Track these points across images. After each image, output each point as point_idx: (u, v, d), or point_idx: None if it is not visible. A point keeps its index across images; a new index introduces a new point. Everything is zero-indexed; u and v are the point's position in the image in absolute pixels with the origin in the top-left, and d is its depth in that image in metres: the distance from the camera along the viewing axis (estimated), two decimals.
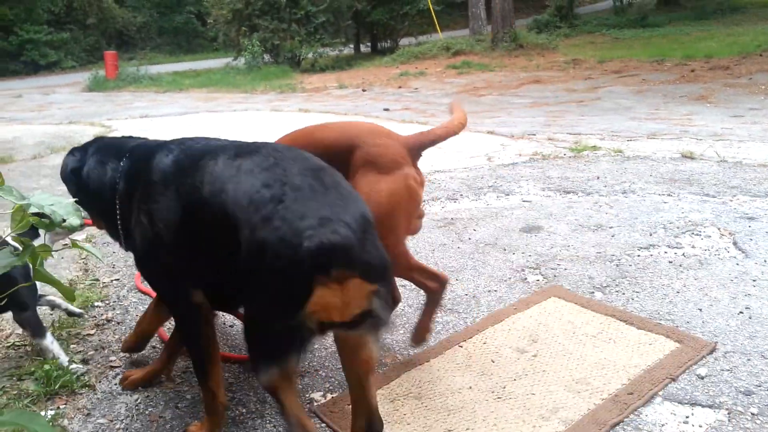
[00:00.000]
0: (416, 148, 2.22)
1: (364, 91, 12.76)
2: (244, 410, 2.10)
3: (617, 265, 3.11)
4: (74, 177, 2.12)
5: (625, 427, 1.91)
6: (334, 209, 1.54)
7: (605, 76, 12.13)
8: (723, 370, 2.18)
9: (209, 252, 1.77)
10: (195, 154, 1.87)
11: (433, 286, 2.33)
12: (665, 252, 3.23)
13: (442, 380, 2.20)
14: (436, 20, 19.85)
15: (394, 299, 2.32)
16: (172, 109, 10.74)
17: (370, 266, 1.50)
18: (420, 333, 2.40)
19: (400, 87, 12.84)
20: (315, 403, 2.11)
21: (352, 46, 24.05)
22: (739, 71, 10.84)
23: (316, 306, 1.46)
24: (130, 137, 2.25)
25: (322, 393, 2.18)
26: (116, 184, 2.01)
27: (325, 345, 2.49)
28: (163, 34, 29.27)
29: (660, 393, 2.07)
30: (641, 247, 3.30)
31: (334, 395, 2.16)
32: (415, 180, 2.15)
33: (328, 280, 1.45)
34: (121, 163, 2.03)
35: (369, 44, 24.27)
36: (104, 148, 2.14)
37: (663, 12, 24.09)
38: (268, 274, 1.52)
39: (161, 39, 29.12)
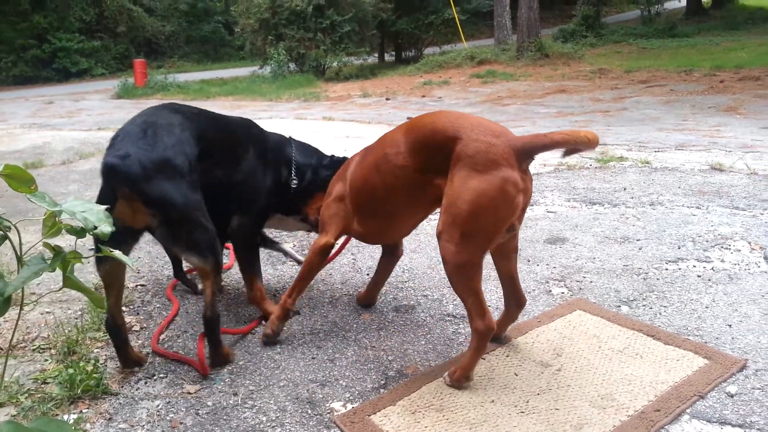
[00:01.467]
0: (526, 150, 2.02)
1: (387, 99, 12.80)
2: (264, 418, 2.09)
3: (644, 279, 3.05)
4: None
5: None
6: (138, 150, 2.17)
7: (632, 86, 11.99)
8: (754, 388, 2.11)
9: None
10: None
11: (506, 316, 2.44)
12: (694, 266, 3.17)
13: (463, 393, 2.17)
14: (461, 30, 19.85)
15: (518, 302, 2.42)
16: None
17: (148, 197, 2.14)
18: (460, 375, 2.23)
19: (423, 96, 12.86)
20: (335, 413, 2.10)
21: (376, 55, 24.19)
22: None
23: (117, 211, 2.09)
24: None
25: (342, 403, 2.16)
26: None
27: (346, 355, 2.48)
28: (191, 42, 29.77)
29: (688, 411, 2.01)
30: (669, 261, 3.24)
31: (355, 405, 2.14)
32: (514, 185, 1.99)
33: (122, 194, 2.13)
34: None
35: (393, 53, 24.37)
36: None
37: (692, 22, 23.79)
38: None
39: (189, 47, 29.62)
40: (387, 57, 24.57)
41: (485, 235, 2.05)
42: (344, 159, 2.89)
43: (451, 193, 2.06)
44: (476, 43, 21.98)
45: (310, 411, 2.12)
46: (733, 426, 1.93)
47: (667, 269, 3.14)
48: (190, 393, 2.27)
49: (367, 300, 2.94)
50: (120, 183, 2.13)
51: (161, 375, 2.39)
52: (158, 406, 2.19)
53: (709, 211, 4.01)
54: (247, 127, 2.91)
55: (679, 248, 3.40)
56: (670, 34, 21.26)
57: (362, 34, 20.14)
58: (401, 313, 2.84)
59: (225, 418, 2.11)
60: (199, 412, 2.15)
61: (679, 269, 3.13)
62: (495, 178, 1.98)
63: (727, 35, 19.99)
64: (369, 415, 2.06)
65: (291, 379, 2.33)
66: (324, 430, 2.01)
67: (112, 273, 2.29)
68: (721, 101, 9.31)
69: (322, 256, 2.63)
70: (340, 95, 14.13)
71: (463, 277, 2.10)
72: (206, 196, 2.35)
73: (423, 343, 2.56)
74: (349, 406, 2.14)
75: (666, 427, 1.94)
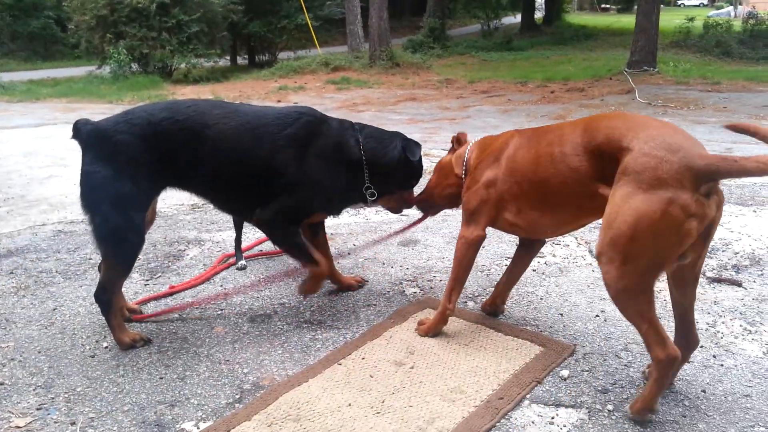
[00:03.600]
0: (708, 173, 1.76)
1: None
2: None
3: (487, 275, 3.25)
4: None
5: (497, 431, 1.99)
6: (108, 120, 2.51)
7: (475, 95, 12.80)
8: (583, 370, 2.34)
9: None
10: None
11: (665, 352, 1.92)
12: None
13: (321, 400, 2.17)
14: (314, 35, 19.92)
15: (688, 342, 2.11)
16: (26, 121, 9.85)
17: None
18: (641, 408, 2.02)
19: (279, 101, 12.71)
20: None
21: (228, 57, 23.49)
22: (592, 93, 11.90)
23: None
24: None
25: (194, 422, 2.06)
26: None
27: (198, 371, 2.37)
28: (17, 39, 26.82)
29: (527, 396, 2.18)
30: (508, 257, 3.48)
31: (207, 424, 2.05)
32: (682, 209, 1.75)
33: None
34: None
35: (246, 57, 23.83)
36: None
37: (526, 36, 25.96)
38: None
39: (15, 44, 26.67)
40: (240, 60, 23.97)
41: (650, 260, 1.84)
42: None
43: (610, 211, 1.88)
44: (330, 49, 22.17)
45: None
46: (567, 407, 2.12)
47: (506, 265, 3.38)
48: (19, 427, 2.05)
49: (494, 306, 2.77)
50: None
51: None
52: None
53: None
54: None
55: (516, 245, 3.67)
56: (507, 48, 23.05)
57: (212, 35, 19.41)
58: (257, 323, 2.78)
59: None
60: None
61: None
62: (659, 199, 1.77)
63: (557, 49, 22.08)
64: None
65: (136, 402, 2.18)
66: None
67: None
68: (552, 110, 10.24)
69: (474, 251, 2.48)
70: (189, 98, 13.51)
71: (630, 302, 1.92)
72: None
73: (280, 352, 2.52)
74: (202, 425, 2.04)
75: (509, 413, 2.08)
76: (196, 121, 2.56)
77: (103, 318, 2.80)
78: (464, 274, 2.53)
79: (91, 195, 2.45)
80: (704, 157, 1.79)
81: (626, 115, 2.11)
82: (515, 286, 3.09)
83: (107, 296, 2.53)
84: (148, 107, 2.61)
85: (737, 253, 3.47)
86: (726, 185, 4.88)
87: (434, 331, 2.60)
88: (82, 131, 2.46)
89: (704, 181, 1.77)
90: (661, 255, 1.83)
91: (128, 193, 2.44)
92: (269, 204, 2.67)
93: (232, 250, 3.55)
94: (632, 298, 1.90)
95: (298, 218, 2.77)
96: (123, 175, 2.42)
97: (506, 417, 2.06)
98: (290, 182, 2.64)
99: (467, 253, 2.48)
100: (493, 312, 2.79)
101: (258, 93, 14.14)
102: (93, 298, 3.02)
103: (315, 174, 2.68)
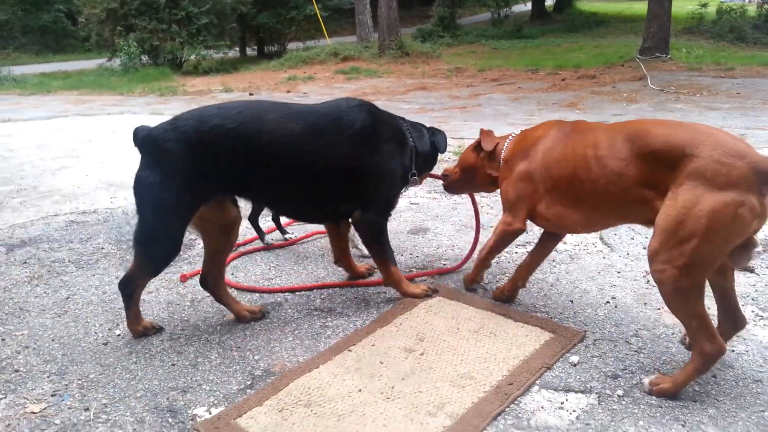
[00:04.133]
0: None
1: (251, 95, 12.49)
2: None
3: (497, 262, 3.25)
4: None
5: (506, 416, 2.00)
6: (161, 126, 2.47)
7: (485, 83, 12.73)
8: (593, 356, 2.33)
9: None
10: None
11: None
12: None
13: (331, 385, 2.18)
14: (323, 26, 19.87)
15: (735, 322, 2.16)
16: (39, 113, 9.93)
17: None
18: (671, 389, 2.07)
19: (288, 91, 12.71)
20: (198, 419, 2.02)
21: (237, 49, 23.51)
22: (604, 80, 11.79)
23: None
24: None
25: (206, 408, 2.09)
26: None
27: (210, 358, 2.40)
28: (28, 33, 27.01)
29: (537, 382, 2.18)
30: (518, 244, 3.48)
31: (219, 409, 2.07)
32: (751, 210, 1.85)
33: None
34: None
35: (255, 48, 23.84)
36: None
37: (537, 24, 25.73)
38: None
39: (26, 38, 26.86)
40: (249, 51, 23.99)
41: (712, 259, 1.92)
42: None
43: (675, 213, 1.92)
44: (339, 39, 22.12)
45: (171, 420, 2.02)
46: (576, 392, 2.12)
47: (517, 252, 3.38)
48: (34, 412, 2.08)
49: (513, 291, 2.80)
50: None
51: (0, 395, 2.17)
52: None
53: None
54: None
55: (526, 232, 3.66)
56: (517, 36, 22.86)
57: (221, 26, 19.44)
58: (267, 310, 2.80)
59: None
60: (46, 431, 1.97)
61: (527, 252, 3.36)
62: (732, 201, 1.85)
63: (568, 37, 21.87)
64: (234, 419, 2.00)
65: (149, 388, 2.20)
66: None
67: None
68: (563, 98, 10.17)
69: (510, 240, 2.66)
70: (199, 90, 13.56)
71: (685, 301, 1.97)
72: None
73: (290, 339, 2.54)
74: (214, 411, 2.06)
75: (519, 398, 2.09)
76: (250, 127, 2.45)
77: (114, 307, 2.84)
78: (494, 255, 2.79)
79: (138, 198, 2.46)
80: (766, 160, 1.89)
81: (678, 122, 2.15)
82: None
83: (130, 290, 2.54)
84: (197, 113, 2.48)
85: None
86: None
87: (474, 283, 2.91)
88: (138, 137, 2.45)
89: (766, 183, 1.87)
90: (722, 253, 1.93)
91: (172, 201, 2.39)
92: (362, 200, 2.70)
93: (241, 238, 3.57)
94: (688, 297, 1.95)
95: (389, 212, 2.82)
96: (168, 182, 2.37)
97: (516, 402, 2.06)
98: (375, 176, 2.68)
99: (503, 240, 2.67)
100: (510, 297, 2.80)
101: (267, 84, 14.15)
102: (106, 287, 3.07)
103: (392, 164, 2.75)
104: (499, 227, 2.66)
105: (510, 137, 2.74)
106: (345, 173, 2.62)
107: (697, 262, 1.90)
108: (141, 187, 2.44)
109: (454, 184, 3.09)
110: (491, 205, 4.23)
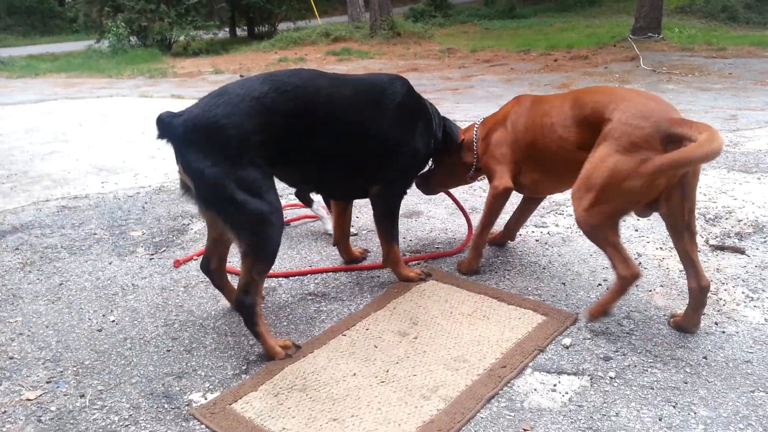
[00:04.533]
0: (674, 135, 2.10)
1: (241, 76, 12.33)
2: (116, 418, 1.97)
3: (489, 246, 3.26)
4: None
5: (500, 399, 2.02)
6: (201, 109, 2.16)
7: (477, 65, 12.66)
8: (585, 338, 2.36)
9: None
10: None
11: (625, 272, 2.27)
12: (532, 231, 3.44)
13: (326, 370, 2.19)
14: (314, 6, 19.65)
15: (702, 287, 2.29)
16: (27, 97, 9.81)
17: (183, 162, 2.20)
18: (596, 311, 2.38)
19: None
20: (194, 405, 2.03)
21: (227, 29, 23.24)
22: (596, 61, 11.75)
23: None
24: None
25: (201, 393, 2.10)
26: None
27: (204, 344, 2.40)
28: (14, 13, 26.59)
29: (530, 364, 2.20)
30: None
31: (215, 395, 2.08)
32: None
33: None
34: None
35: (245, 28, 23.56)
36: None
37: (529, 3, 25.50)
38: None
39: (12, 19, 26.44)
40: (239, 32, 23.70)
41: (616, 206, 2.25)
42: None
43: (589, 166, 2.27)
44: (330, 19, 21.89)
45: (166, 405, 2.03)
46: (569, 374, 2.14)
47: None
48: (29, 400, 2.08)
49: (505, 238, 3.16)
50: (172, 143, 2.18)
51: None
52: None
53: None
54: None
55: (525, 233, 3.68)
56: (509, 16, 22.67)
57: (210, 6, 19.21)
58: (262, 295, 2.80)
59: (72, 422, 1.96)
60: (42, 419, 1.98)
61: (520, 235, 3.38)
62: (632, 160, 2.13)
63: (560, 17, 21.71)
64: (230, 404, 2.01)
65: (144, 374, 2.21)
66: (183, 424, 1.94)
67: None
68: (555, 79, 10.13)
69: (503, 200, 2.79)
70: (189, 71, 13.42)
71: (596, 234, 2.31)
72: None
73: (285, 324, 2.55)
74: (210, 396, 2.08)
75: (512, 381, 2.11)
76: (307, 90, 2.32)
77: (108, 293, 2.83)
78: (492, 220, 2.88)
79: (215, 192, 2.13)
80: (673, 121, 2.13)
81: (609, 89, 2.49)
82: (518, 257, 3.11)
83: (250, 299, 2.22)
84: (242, 84, 2.27)
85: (740, 220, 3.46)
86: (730, 152, 4.85)
87: (474, 265, 2.92)
88: (174, 125, 2.13)
89: (671, 141, 2.10)
90: (627, 203, 2.25)
91: (255, 178, 2.15)
92: (388, 176, 2.68)
93: None
94: (598, 232, 2.31)
95: (407, 190, 2.86)
96: (241, 160, 2.12)
97: (509, 385, 2.09)
98: (408, 152, 2.70)
99: (495, 202, 2.80)
100: (504, 242, 3.19)
101: (258, 65, 14.01)
102: (99, 273, 3.06)
103: (422, 143, 2.78)
104: (488, 195, 2.81)
105: (476, 123, 3.02)
106: (385, 145, 2.61)
107: (602, 207, 2.24)
108: (211, 178, 2.10)
109: (430, 180, 3.19)
110: (484, 188, 4.23)
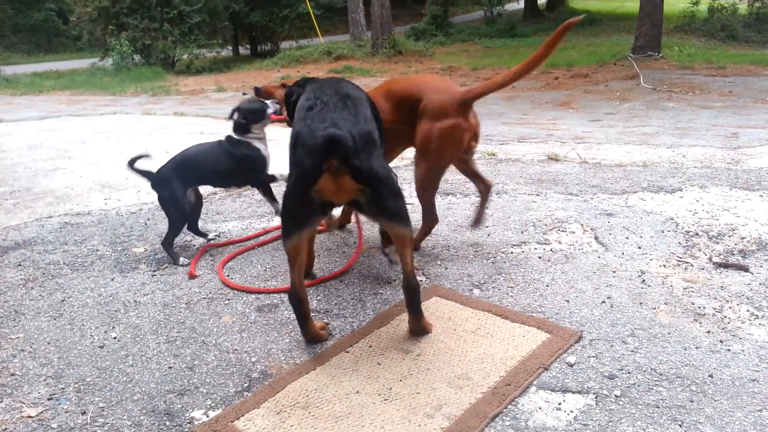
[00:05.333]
0: (468, 100, 2.97)
1: (244, 94, 12.44)
2: None
3: (493, 263, 3.26)
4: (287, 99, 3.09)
5: (504, 417, 2.00)
6: (344, 123, 2.18)
7: (478, 82, 12.72)
8: (590, 356, 2.34)
9: None
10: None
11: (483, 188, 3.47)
12: (535, 248, 3.44)
13: (329, 387, 2.18)
14: (316, 24, 19.84)
15: (485, 184, 3.34)
16: (31, 113, 9.87)
17: (359, 170, 2.15)
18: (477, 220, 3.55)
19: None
20: (195, 422, 2.01)
21: (230, 48, 23.46)
22: (596, 79, 11.82)
23: (321, 186, 2.15)
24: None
25: (203, 411, 2.08)
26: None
27: (206, 361, 2.39)
28: (19, 32, 26.85)
29: (534, 382, 2.18)
30: (514, 245, 3.49)
31: (217, 412, 2.07)
32: (461, 127, 2.97)
33: (330, 168, 2.12)
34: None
35: (248, 46, 23.79)
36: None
37: (529, 23, 25.76)
38: (296, 159, 2.22)
39: (17, 37, 26.71)
40: (242, 50, 23.93)
41: (443, 162, 3.10)
42: None
43: (420, 137, 3.00)
44: (332, 38, 22.10)
45: (168, 423, 2.02)
46: (573, 393, 2.13)
47: (512, 252, 3.39)
48: (30, 417, 2.07)
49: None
50: (335, 156, 2.12)
51: None
52: None
53: (547, 197, 4.37)
54: None
55: (522, 232, 3.68)
56: (510, 34, 22.86)
57: (214, 25, 19.40)
58: (264, 312, 2.79)
59: None
60: None
61: (523, 252, 3.38)
62: (449, 124, 2.95)
63: None
64: (232, 421, 2.00)
65: (146, 391, 2.19)
66: None
67: (300, 247, 2.32)
68: (556, 97, 10.19)
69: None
70: (192, 89, 13.51)
71: (426, 191, 3.17)
72: None
73: (287, 341, 2.53)
74: (211, 414, 2.06)
75: (516, 399, 2.09)
76: None
77: (110, 309, 2.82)
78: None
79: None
80: (464, 92, 2.99)
81: (409, 78, 3.47)
82: (521, 274, 3.10)
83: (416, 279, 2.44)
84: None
85: (744, 238, 3.46)
86: (732, 170, 4.86)
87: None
88: (346, 138, 2.18)
89: (467, 105, 2.99)
90: (450, 158, 3.10)
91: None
92: None
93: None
94: (428, 188, 3.17)
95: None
96: None
97: (513, 403, 2.07)
98: None
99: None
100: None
101: (261, 83, 14.08)
102: (101, 290, 3.05)
103: None
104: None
105: None
106: None
107: (434, 166, 3.06)
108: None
109: None
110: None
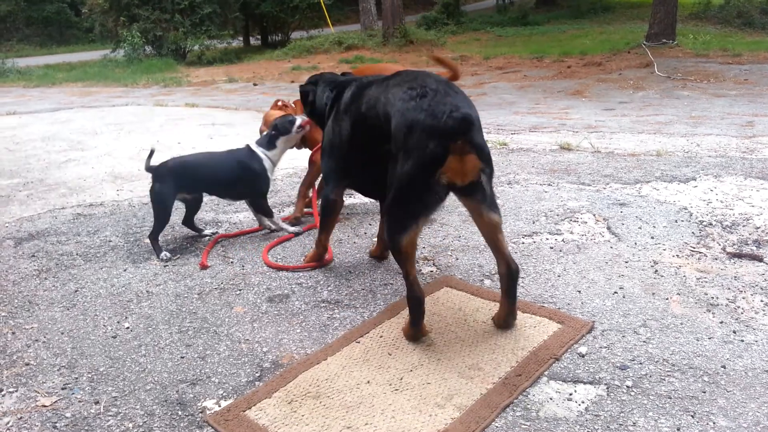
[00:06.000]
0: None
1: (255, 85, 12.47)
2: (130, 425, 1.97)
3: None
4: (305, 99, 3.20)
5: (515, 407, 2.00)
6: (466, 105, 2.22)
7: (490, 72, 12.65)
8: (601, 347, 2.33)
9: (364, 151, 2.64)
10: (362, 86, 2.72)
11: None
12: (547, 239, 3.42)
13: (340, 377, 2.19)
14: (327, 14, 19.77)
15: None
16: (44, 105, 9.95)
17: (481, 148, 2.20)
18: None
19: (293, 81, 12.67)
20: (207, 412, 2.03)
21: (241, 38, 23.46)
22: (610, 67, 11.70)
23: (447, 168, 2.12)
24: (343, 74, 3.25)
25: (215, 401, 2.10)
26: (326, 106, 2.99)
27: (218, 351, 2.41)
28: (32, 24, 27.04)
29: (545, 373, 2.18)
30: (525, 235, 3.47)
31: (228, 402, 2.08)
32: None
33: (456, 149, 2.11)
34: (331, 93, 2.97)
35: (259, 37, 23.77)
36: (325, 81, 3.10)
37: (542, 11, 25.51)
38: (417, 145, 2.15)
39: (30, 30, 26.90)
40: (253, 41, 23.92)
41: None
42: None
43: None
44: (343, 28, 22.01)
45: (180, 412, 2.03)
46: (585, 383, 2.12)
47: (523, 243, 3.37)
48: (45, 406, 2.09)
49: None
50: (468, 136, 2.13)
51: (10, 389, 2.18)
52: (8, 423, 1.99)
53: (559, 187, 4.34)
54: None
55: (533, 223, 3.66)
56: (522, 23, 22.66)
57: (225, 16, 19.41)
58: (275, 303, 2.80)
59: (87, 429, 1.97)
60: (57, 425, 1.99)
61: (534, 242, 3.37)
62: None
63: (573, 23, 21.68)
64: (243, 411, 2.01)
65: (158, 381, 2.21)
66: (197, 431, 1.94)
67: (415, 241, 2.31)
68: (569, 86, 10.10)
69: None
70: (203, 80, 13.55)
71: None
72: None
73: (298, 331, 2.54)
74: (223, 404, 2.08)
75: (527, 390, 2.09)
76: None
77: (122, 300, 2.85)
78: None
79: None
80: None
81: (375, 66, 3.96)
82: (533, 264, 3.08)
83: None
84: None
85: (758, 227, 3.42)
86: (747, 159, 4.80)
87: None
88: (471, 118, 2.25)
89: None
90: None
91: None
92: None
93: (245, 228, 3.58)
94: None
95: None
96: None
97: (524, 393, 2.07)
98: None
99: None
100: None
101: (271, 74, 14.12)
102: (114, 280, 3.08)
103: None
104: None
105: None
106: None
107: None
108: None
109: None
110: None
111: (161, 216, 3.41)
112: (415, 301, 2.34)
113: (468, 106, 2.24)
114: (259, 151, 3.46)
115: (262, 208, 3.56)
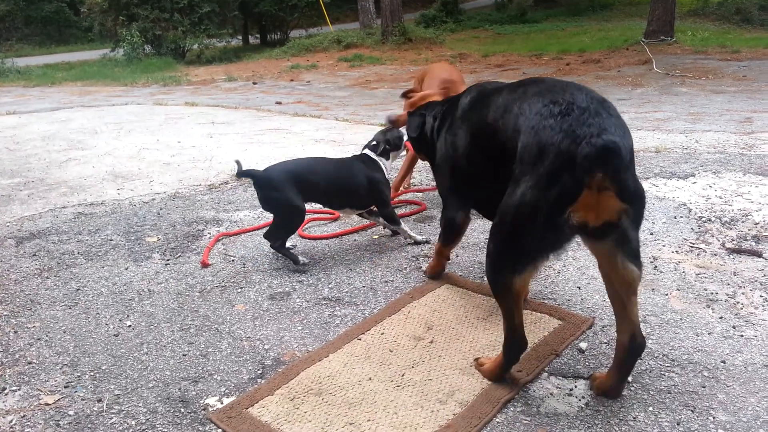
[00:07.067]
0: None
1: (254, 83, 12.48)
2: (133, 422, 1.98)
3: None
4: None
5: (516, 403, 2.01)
6: (616, 130, 1.75)
7: (489, 69, 12.65)
8: (601, 343, 2.34)
9: (486, 167, 2.21)
10: (486, 92, 2.35)
11: None
12: None
13: (341, 374, 2.20)
14: (326, 13, 19.77)
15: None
16: (44, 105, 9.95)
17: (625, 187, 1.72)
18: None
19: (291, 80, 12.69)
20: (210, 409, 2.04)
21: (240, 37, 23.45)
22: (608, 64, 11.71)
23: (580, 204, 1.71)
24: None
25: (217, 398, 2.11)
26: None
27: (220, 348, 2.42)
28: (31, 23, 27.02)
29: (546, 369, 2.19)
30: None
31: (231, 399, 2.09)
32: None
33: (593, 183, 1.68)
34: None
35: (258, 36, 23.76)
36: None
37: (541, 8, 25.50)
38: (547, 172, 1.75)
39: (29, 29, 26.87)
40: (252, 40, 23.91)
41: None
42: None
43: None
44: (342, 26, 21.99)
45: (183, 410, 2.04)
46: (585, 379, 2.13)
47: None
48: (48, 404, 2.10)
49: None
50: (609, 168, 1.68)
51: (13, 388, 2.19)
52: (12, 422, 2.00)
53: None
54: None
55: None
56: (521, 20, 22.68)
57: (223, 15, 19.41)
58: (276, 300, 2.81)
59: (89, 426, 1.98)
60: (60, 423, 2.00)
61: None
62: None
63: (572, 21, 21.68)
64: (246, 408, 2.02)
65: (161, 378, 2.22)
66: (199, 428, 1.95)
67: (528, 282, 2.10)
68: None
69: None
70: (203, 79, 13.55)
71: None
72: None
73: (300, 328, 2.55)
74: (226, 401, 2.09)
75: (528, 385, 2.10)
76: None
77: (124, 298, 2.86)
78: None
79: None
80: None
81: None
82: None
83: None
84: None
85: (757, 223, 3.43)
86: (746, 155, 4.81)
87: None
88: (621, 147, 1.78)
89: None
90: None
91: None
92: None
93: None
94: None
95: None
96: None
97: (525, 389, 2.08)
98: None
99: None
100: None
101: (271, 72, 14.12)
102: (115, 279, 3.09)
103: None
104: None
105: None
106: None
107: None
108: None
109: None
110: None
111: (291, 225, 3.20)
112: (516, 349, 2.05)
113: (619, 132, 1.77)
114: (379, 160, 3.37)
115: (390, 217, 3.37)
